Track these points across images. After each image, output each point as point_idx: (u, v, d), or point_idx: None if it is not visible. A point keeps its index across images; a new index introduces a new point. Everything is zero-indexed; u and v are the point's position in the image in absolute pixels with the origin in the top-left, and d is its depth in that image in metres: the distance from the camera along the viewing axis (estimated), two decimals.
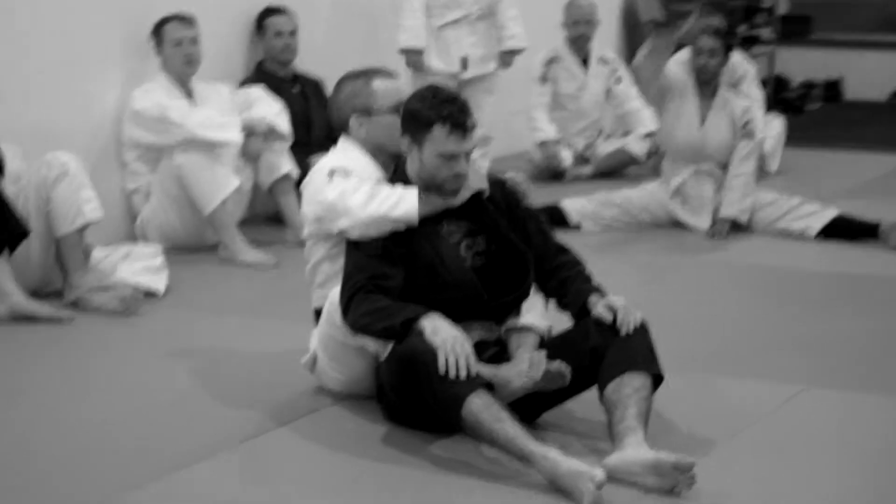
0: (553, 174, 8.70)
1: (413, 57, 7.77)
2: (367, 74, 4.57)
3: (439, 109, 4.13)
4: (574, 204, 7.29)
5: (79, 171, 5.64)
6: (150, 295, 5.74)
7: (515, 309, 4.28)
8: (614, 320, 4.09)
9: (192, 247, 6.59)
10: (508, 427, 3.77)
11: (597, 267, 6.44)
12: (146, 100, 6.54)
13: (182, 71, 6.67)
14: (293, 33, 7.40)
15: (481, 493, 3.74)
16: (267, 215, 7.09)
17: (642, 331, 4.08)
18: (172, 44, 6.65)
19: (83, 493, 3.73)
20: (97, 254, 5.83)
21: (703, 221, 7.20)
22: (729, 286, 6.21)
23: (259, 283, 6.12)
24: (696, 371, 4.80)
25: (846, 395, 4.56)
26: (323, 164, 4.50)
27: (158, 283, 5.81)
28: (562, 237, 6.80)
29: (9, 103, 6.05)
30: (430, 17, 7.79)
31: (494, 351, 4.22)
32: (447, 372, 3.84)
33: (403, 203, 4.17)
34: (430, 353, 3.87)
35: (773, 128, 9.00)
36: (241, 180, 6.58)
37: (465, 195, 4.21)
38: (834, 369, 4.86)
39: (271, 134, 6.73)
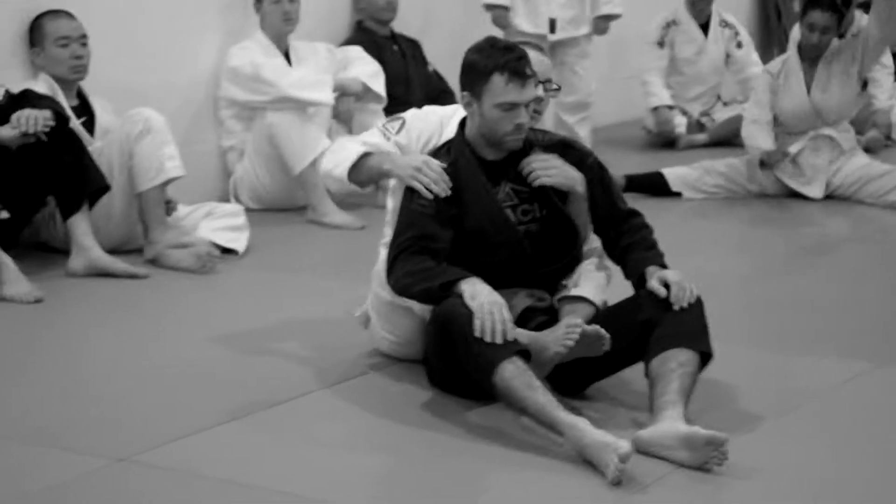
0: (666, 141, 8.53)
1: (497, 13, 7.61)
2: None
3: (497, 58, 4.03)
4: (675, 171, 7.13)
5: (162, 127, 5.65)
6: (229, 253, 5.75)
7: (565, 276, 4.17)
8: (669, 294, 3.95)
9: (282, 207, 6.60)
10: (539, 395, 3.67)
11: (689, 234, 6.39)
12: (242, 57, 6.55)
13: (280, 29, 6.66)
14: None
15: (511, 462, 3.65)
16: None
17: (696, 307, 3.94)
18: (271, 1, 6.63)
19: (133, 442, 3.73)
20: (180, 211, 5.85)
21: (815, 190, 6.99)
22: (821, 260, 6.02)
23: (342, 245, 6.08)
24: (763, 346, 4.67)
25: None
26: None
27: (238, 242, 5.82)
28: (661, 205, 6.86)
29: (107, 60, 6.10)
30: None
31: (544, 319, 4.11)
32: (483, 336, 3.76)
33: (340, 167, 4.26)
34: (466, 317, 3.79)
35: None
36: (332, 141, 6.54)
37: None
38: None
39: (366, 94, 6.68)
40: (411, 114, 4.40)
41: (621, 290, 4.18)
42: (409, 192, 4.15)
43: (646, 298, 3.98)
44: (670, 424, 3.64)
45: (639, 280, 4.06)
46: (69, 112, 5.54)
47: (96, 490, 3.47)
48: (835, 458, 3.69)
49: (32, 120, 5.18)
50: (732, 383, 4.19)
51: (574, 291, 4.16)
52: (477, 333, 3.75)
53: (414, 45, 7.44)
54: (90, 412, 4.00)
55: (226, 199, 6.55)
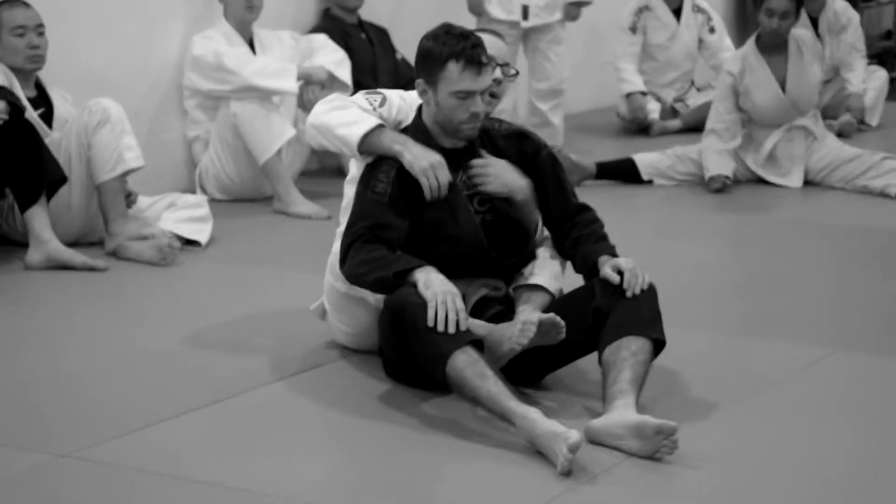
0: (640, 127, 8.47)
1: (472, 1, 7.57)
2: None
3: (452, 45, 3.97)
4: (647, 159, 7.07)
5: (121, 117, 5.58)
6: (191, 244, 5.69)
7: (521, 266, 4.13)
8: (622, 282, 3.91)
9: (249, 197, 6.55)
10: (491, 385, 3.63)
11: (657, 220, 6.36)
12: (204, 46, 6.49)
13: (243, 17, 6.60)
14: None
15: (464, 453, 3.60)
16: (332, 167, 7.00)
17: (649, 294, 3.90)
18: None
19: (78, 437, 3.67)
20: (142, 202, 5.78)
21: (794, 181, 6.93)
22: (792, 245, 5.97)
23: (308, 236, 6.01)
24: (724, 331, 4.63)
25: (875, 361, 4.32)
26: None
27: (201, 233, 5.75)
28: (632, 192, 6.82)
29: (71, 49, 6.05)
30: None
31: (499, 309, 4.08)
32: (435, 326, 3.70)
33: (354, 128, 4.05)
34: (419, 306, 3.74)
35: (875, 80, 8.65)
36: (298, 130, 6.48)
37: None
38: (875, 333, 4.62)
39: (332, 83, 6.61)
40: (389, 91, 4.33)
41: (577, 278, 4.13)
42: (366, 180, 4.09)
43: (598, 286, 3.94)
44: (621, 414, 3.60)
45: (590, 271, 4.02)
46: (25, 103, 5.47)
47: (35, 487, 3.40)
48: (786, 447, 3.64)
49: None
50: (690, 370, 4.15)
51: (530, 280, 4.11)
52: (430, 323, 3.71)
53: (382, 33, 7.38)
54: (37, 407, 3.94)
55: (192, 190, 6.49)
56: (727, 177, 6.82)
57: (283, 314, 4.81)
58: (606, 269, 3.94)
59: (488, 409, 3.65)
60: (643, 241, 5.88)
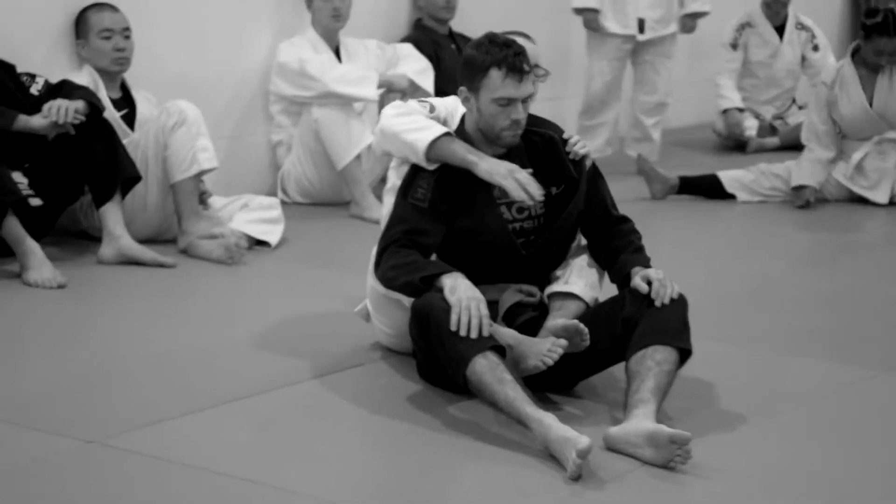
0: (736, 144, 8.38)
1: (588, 16, 7.57)
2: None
3: (495, 53, 4.00)
4: (730, 173, 7.01)
5: (197, 119, 5.70)
6: (262, 245, 5.77)
7: (554, 267, 4.15)
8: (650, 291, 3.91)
9: (328, 201, 6.63)
10: (509, 389, 3.64)
11: (733, 235, 6.29)
12: (290, 53, 6.60)
13: (329, 25, 6.69)
14: None
15: (481, 455, 3.61)
16: None
17: (678, 304, 3.90)
18: None
19: (109, 424, 3.75)
20: (216, 202, 5.89)
21: (881, 196, 6.82)
22: (865, 264, 5.88)
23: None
24: (772, 348, 4.58)
25: None
26: None
27: (272, 234, 5.84)
28: (714, 207, 6.75)
29: (158, 53, 6.19)
30: None
31: (533, 315, 4.08)
32: (459, 331, 3.72)
33: (422, 133, 4.04)
34: (443, 311, 3.77)
35: None
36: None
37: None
38: None
39: (414, 91, 6.67)
40: (435, 99, 4.36)
41: (612, 288, 4.12)
42: (406, 186, 4.12)
43: (628, 296, 3.95)
44: (639, 422, 3.59)
45: (623, 281, 4.03)
46: (106, 103, 5.61)
47: (58, 472, 3.48)
48: (806, 466, 3.59)
49: (63, 110, 5.25)
50: (726, 383, 4.13)
51: (565, 287, 4.11)
52: (453, 327, 3.73)
53: None
54: (78, 394, 4.04)
55: (274, 193, 6.59)
56: (815, 189, 6.74)
57: (337, 315, 4.86)
58: (636, 279, 3.95)
59: (506, 412, 3.66)
60: (712, 254, 5.85)
